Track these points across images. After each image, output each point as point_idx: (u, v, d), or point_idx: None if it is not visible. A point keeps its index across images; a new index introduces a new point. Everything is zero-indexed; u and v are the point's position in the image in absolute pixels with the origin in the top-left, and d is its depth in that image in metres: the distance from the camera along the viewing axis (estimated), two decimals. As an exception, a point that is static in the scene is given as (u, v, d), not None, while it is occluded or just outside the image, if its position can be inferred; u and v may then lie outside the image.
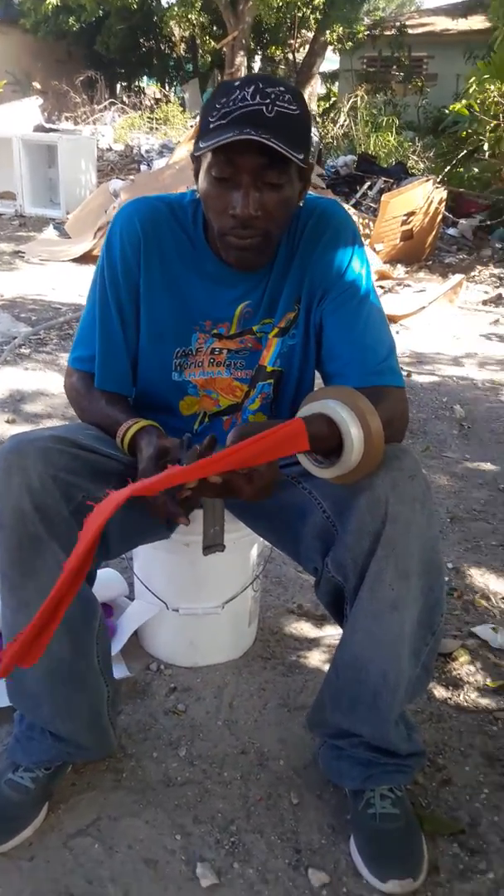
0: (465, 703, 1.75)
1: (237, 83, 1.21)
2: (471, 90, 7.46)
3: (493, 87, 7.19)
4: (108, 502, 1.05)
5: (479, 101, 7.53)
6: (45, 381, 3.67)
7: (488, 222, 7.71)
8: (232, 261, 1.32)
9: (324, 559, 1.32)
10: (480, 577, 2.27)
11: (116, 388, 1.46)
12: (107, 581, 1.91)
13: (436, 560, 1.27)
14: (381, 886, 1.28)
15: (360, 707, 1.31)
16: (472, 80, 7.39)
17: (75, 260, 6.38)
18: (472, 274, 6.58)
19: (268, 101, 1.17)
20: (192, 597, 1.74)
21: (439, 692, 1.77)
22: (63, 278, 5.83)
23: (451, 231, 7.77)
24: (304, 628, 2.00)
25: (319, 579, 1.35)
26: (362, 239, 1.44)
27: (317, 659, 1.88)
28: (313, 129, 1.31)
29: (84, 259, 6.36)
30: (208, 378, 1.47)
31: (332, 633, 1.98)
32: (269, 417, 1.52)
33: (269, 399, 1.50)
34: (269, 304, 1.42)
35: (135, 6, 16.99)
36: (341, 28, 16.78)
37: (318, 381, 1.48)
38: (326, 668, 1.82)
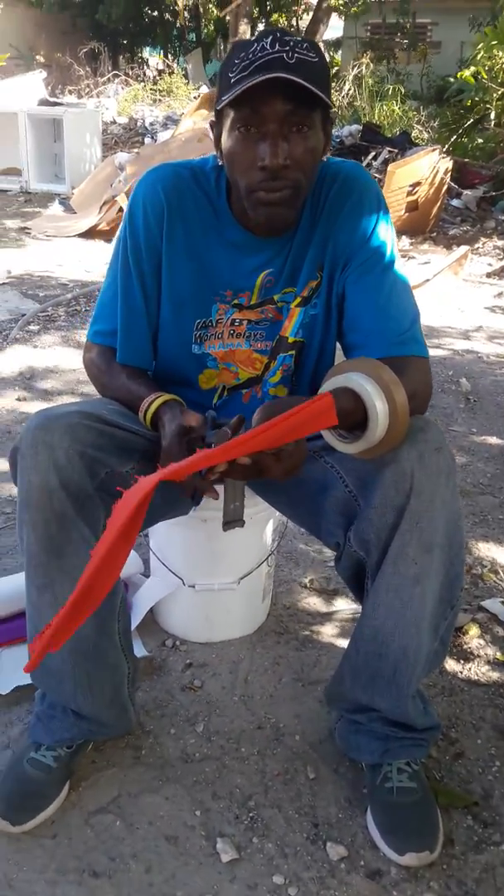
0: (476, 677, 1.76)
1: (254, 37, 1.20)
2: (478, 56, 7.33)
3: (501, 54, 7.07)
4: (137, 489, 1.04)
5: (486, 68, 7.41)
6: (56, 358, 3.67)
7: (492, 193, 7.62)
8: (261, 219, 1.29)
9: (346, 534, 1.31)
10: (488, 551, 2.28)
11: (138, 363, 1.45)
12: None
13: (458, 534, 1.27)
14: (399, 859, 1.30)
15: (380, 681, 1.32)
16: (479, 47, 7.26)
17: (81, 235, 6.35)
18: (477, 246, 6.51)
19: (287, 48, 1.16)
20: (208, 573, 1.75)
21: (450, 666, 1.79)
22: (69, 254, 5.80)
23: (456, 202, 7.67)
24: (316, 603, 2.01)
25: (341, 554, 1.35)
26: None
27: (329, 633, 1.90)
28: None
29: (90, 234, 6.33)
30: (228, 350, 1.45)
31: (343, 608, 1.99)
32: (289, 390, 1.51)
33: (290, 371, 1.48)
34: (291, 273, 1.40)
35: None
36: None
37: (339, 353, 1.47)
38: (339, 642, 1.84)
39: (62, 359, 3.65)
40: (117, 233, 1.43)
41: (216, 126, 1.29)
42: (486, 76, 7.37)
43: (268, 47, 1.16)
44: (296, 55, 1.16)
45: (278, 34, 1.18)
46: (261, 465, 1.11)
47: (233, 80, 1.18)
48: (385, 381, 1.14)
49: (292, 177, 1.23)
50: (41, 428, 1.23)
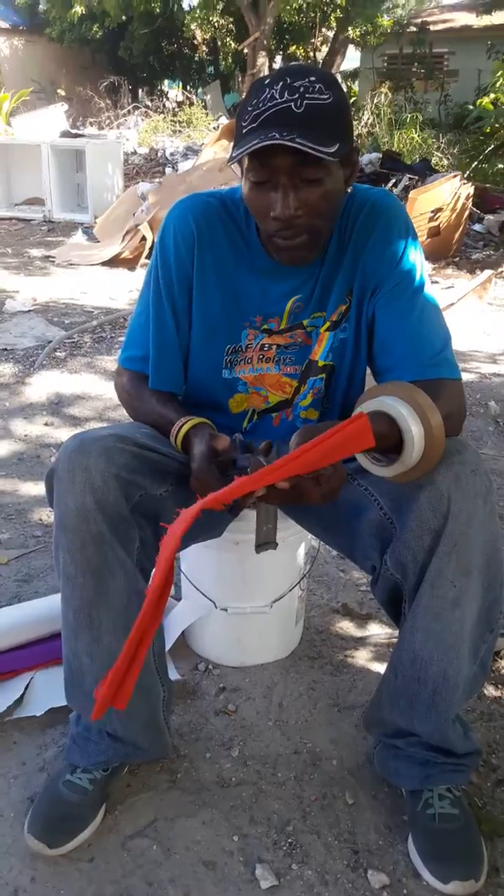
0: (516, 702, 1.73)
1: (267, 80, 1.19)
2: (498, 84, 7.39)
3: (519, 81, 7.14)
4: (179, 523, 1.05)
5: (505, 96, 7.48)
6: (83, 384, 3.69)
7: (515, 218, 7.64)
8: (283, 261, 1.31)
9: (381, 557, 1.30)
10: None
11: (169, 388, 1.46)
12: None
13: (497, 556, 1.25)
14: (444, 888, 1.27)
15: (419, 706, 1.30)
16: (498, 74, 7.33)
17: (105, 263, 6.41)
18: (500, 270, 6.51)
19: (296, 95, 1.15)
20: (240, 596, 1.74)
21: (489, 691, 1.76)
22: (94, 282, 5.86)
23: (478, 227, 7.70)
24: (350, 627, 1.99)
25: (377, 577, 1.34)
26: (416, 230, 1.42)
27: (364, 658, 1.87)
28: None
29: (113, 262, 6.39)
30: (258, 375, 1.46)
31: (377, 632, 1.97)
32: (320, 413, 1.51)
33: (320, 394, 1.48)
34: (320, 298, 1.40)
35: (157, 10, 17.07)
36: (363, 25, 16.73)
37: (369, 376, 1.47)
38: (374, 666, 1.82)
39: (89, 385, 3.68)
40: (150, 260, 1.44)
41: (240, 166, 1.30)
42: (504, 103, 7.44)
43: (277, 96, 1.15)
44: (304, 102, 1.15)
45: (289, 79, 1.17)
46: (300, 489, 1.11)
47: (244, 131, 1.19)
48: (419, 403, 1.14)
49: (306, 223, 1.23)
50: (77, 451, 1.24)
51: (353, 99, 14.95)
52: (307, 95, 1.16)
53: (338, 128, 1.19)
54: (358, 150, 1.31)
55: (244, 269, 1.39)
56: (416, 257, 1.38)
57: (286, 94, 1.15)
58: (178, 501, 1.38)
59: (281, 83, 1.16)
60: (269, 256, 1.36)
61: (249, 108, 1.18)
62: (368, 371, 1.48)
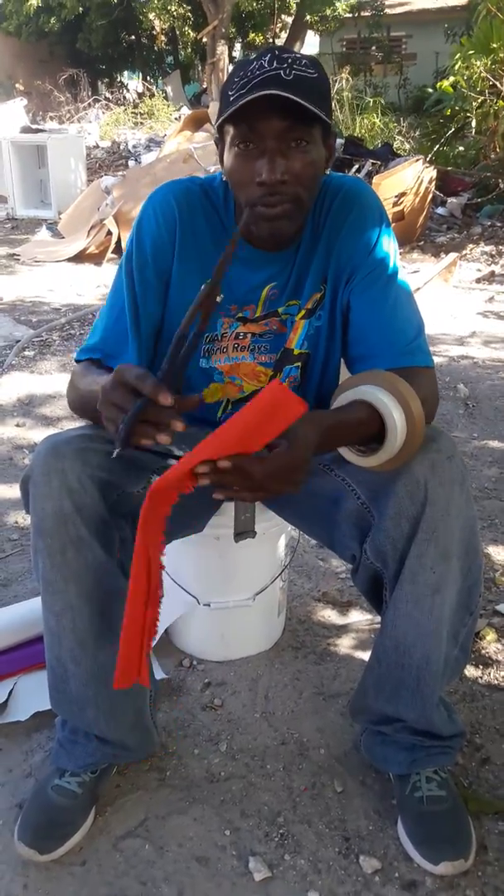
0: (497, 681, 1.75)
1: (253, 56, 1.20)
2: (456, 66, 7.40)
3: (478, 63, 7.13)
4: (150, 523, 1.06)
5: (465, 77, 7.47)
6: (54, 383, 3.66)
7: (477, 200, 7.68)
8: (264, 233, 1.28)
9: (361, 546, 1.31)
10: (498, 555, 2.27)
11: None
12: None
13: (474, 541, 1.26)
14: (434, 869, 1.29)
15: (404, 692, 1.31)
16: (457, 57, 7.33)
17: (71, 259, 6.35)
18: (464, 252, 6.55)
19: (285, 65, 1.16)
20: (222, 590, 1.74)
21: (470, 671, 1.78)
22: (60, 278, 5.81)
23: (440, 210, 7.73)
24: (331, 616, 2.01)
25: (357, 566, 1.35)
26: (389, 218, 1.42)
27: (347, 645, 1.89)
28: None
29: (79, 258, 6.34)
30: (233, 364, 1.45)
31: (359, 619, 1.98)
32: None
33: (296, 383, 1.48)
34: (295, 286, 1.40)
35: (115, 1, 16.90)
36: (322, 10, 16.70)
37: (343, 368, 1.48)
38: (357, 654, 1.84)
39: (60, 384, 3.65)
40: (116, 255, 1.41)
41: (219, 143, 1.30)
42: (465, 85, 7.43)
43: (266, 65, 1.16)
44: (293, 72, 1.16)
45: (277, 52, 1.18)
46: (243, 470, 1.03)
47: (231, 98, 1.19)
48: (400, 391, 1.14)
49: (291, 191, 1.23)
50: (51, 454, 1.23)
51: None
52: (295, 66, 1.17)
53: (322, 104, 1.20)
54: (335, 136, 1.31)
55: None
56: (389, 245, 1.38)
57: (275, 63, 1.16)
58: None
59: (269, 55, 1.18)
60: (247, 244, 1.35)
61: (237, 79, 1.18)
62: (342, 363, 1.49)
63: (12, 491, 2.61)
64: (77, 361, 1.45)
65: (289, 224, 1.28)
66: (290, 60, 1.17)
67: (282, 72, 1.16)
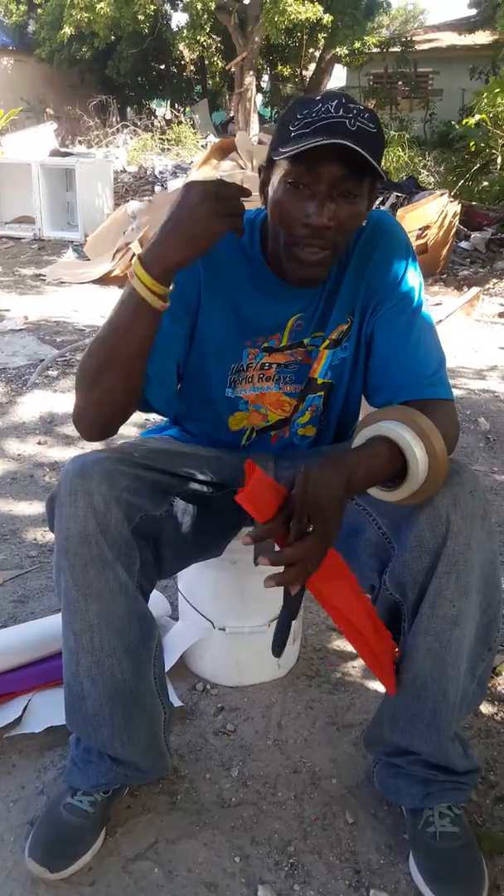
0: (513, 719, 1.74)
1: (318, 97, 1.21)
2: (482, 104, 7.49)
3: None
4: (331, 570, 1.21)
5: (490, 115, 7.56)
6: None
7: (501, 235, 7.73)
8: (297, 275, 1.30)
9: (380, 576, 1.32)
10: (519, 591, 2.26)
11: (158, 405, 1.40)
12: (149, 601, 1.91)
13: (495, 576, 1.26)
14: (446, 907, 1.28)
15: (419, 724, 1.31)
16: (484, 95, 7.42)
17: (96, 281, 6.43)
18: (487, 286, 6.58)
19: (350, 115, 1.17)
20: (238, 615, 1.74)
21: (486, 708, 1.76)
22: (85, 300, 5.87)
23: (464, 244, 7.78)
24: (346, 645, 2.00)
25: (375, 597, 1.35)
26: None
27: (361, 676, 1.88)
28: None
29: (104, 280, 6.41)
30: (258, 393, 1.47)
31: (375, 650, 1.97)
32: (317, 429, 1.52)
33: (318, 412, 1.50)
34: (321, 317, 1.41)
35: (146, 31, 17.19)
36: (351, 44, 16.91)
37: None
38: (372, 685, 1.83)
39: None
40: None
41: (264, 171, 1.31)
42: (489, 123, 7.52)
43: (332, 110, 1.17)
44: (357, 123, 1.17)
45: (343, 100, 1.19)
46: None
47: (293, 135, 1.19)
48: (421, 427, 1.15)
49: (333, 238, 1.24)
50: (78, 475, 1.25)
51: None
52: (359, 119, 1.18)
53: (378, 158, 1.21)
54: (378, 188, 1.34)
55: (249, 290, 1.39)
56: (415, 278, 1.40)
57: (341, 111, 1.17)
58: (177, 521, 1.39)
59: (336, 101, 1.19)
60: (274, 277, 1.37)
61: (300, 116, 1.19)
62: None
63: (32, 508, 2.62)
64: None
65: (323, 271, 1.30)
66: (355, 111, 1.18)
67: (347, 121, 1.17)
